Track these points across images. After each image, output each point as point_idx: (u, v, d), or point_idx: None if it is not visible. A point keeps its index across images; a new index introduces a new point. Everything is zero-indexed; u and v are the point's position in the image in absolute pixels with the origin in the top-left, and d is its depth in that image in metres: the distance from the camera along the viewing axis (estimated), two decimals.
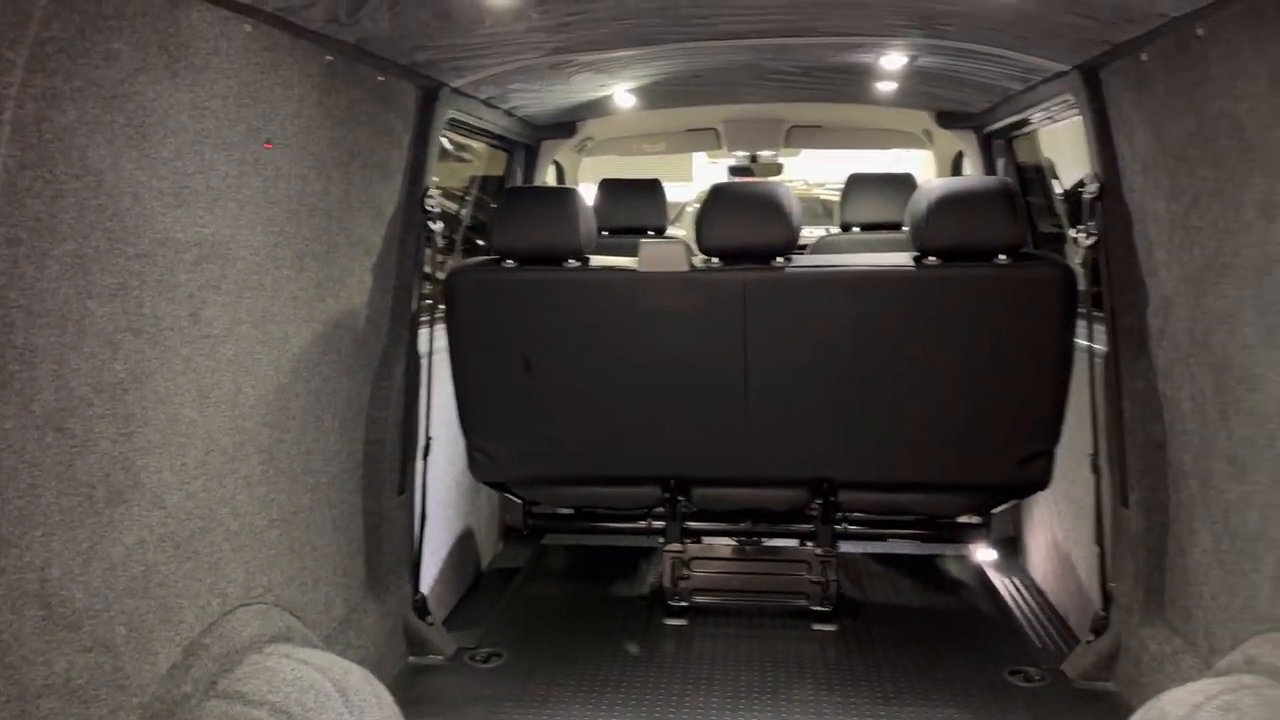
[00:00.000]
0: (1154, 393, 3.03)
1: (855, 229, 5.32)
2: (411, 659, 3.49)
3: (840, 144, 6.35)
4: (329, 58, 2.67)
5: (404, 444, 3.41)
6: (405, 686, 3.28)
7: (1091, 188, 3.20)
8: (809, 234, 5.86)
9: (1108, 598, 3.28)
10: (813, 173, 11.36)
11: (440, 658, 3.50)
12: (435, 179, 3.55)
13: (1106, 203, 3.15)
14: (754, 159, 6.22)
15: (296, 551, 2.81)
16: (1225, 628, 2.62)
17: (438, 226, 3.44)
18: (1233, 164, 2.41)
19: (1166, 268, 2.88)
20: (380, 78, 3.02)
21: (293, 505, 2.79)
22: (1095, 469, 3.32)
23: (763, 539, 4.16)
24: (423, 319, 3.53)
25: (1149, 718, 2.47)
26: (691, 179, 13.63)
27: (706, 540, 4.11)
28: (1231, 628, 2.58)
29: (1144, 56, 2.76)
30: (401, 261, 3.38)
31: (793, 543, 4.10)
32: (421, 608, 3.53)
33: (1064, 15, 2.66)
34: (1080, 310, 3.46)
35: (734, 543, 4.13)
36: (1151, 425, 3.04)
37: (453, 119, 3.78)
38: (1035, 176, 5.00)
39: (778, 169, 6.55)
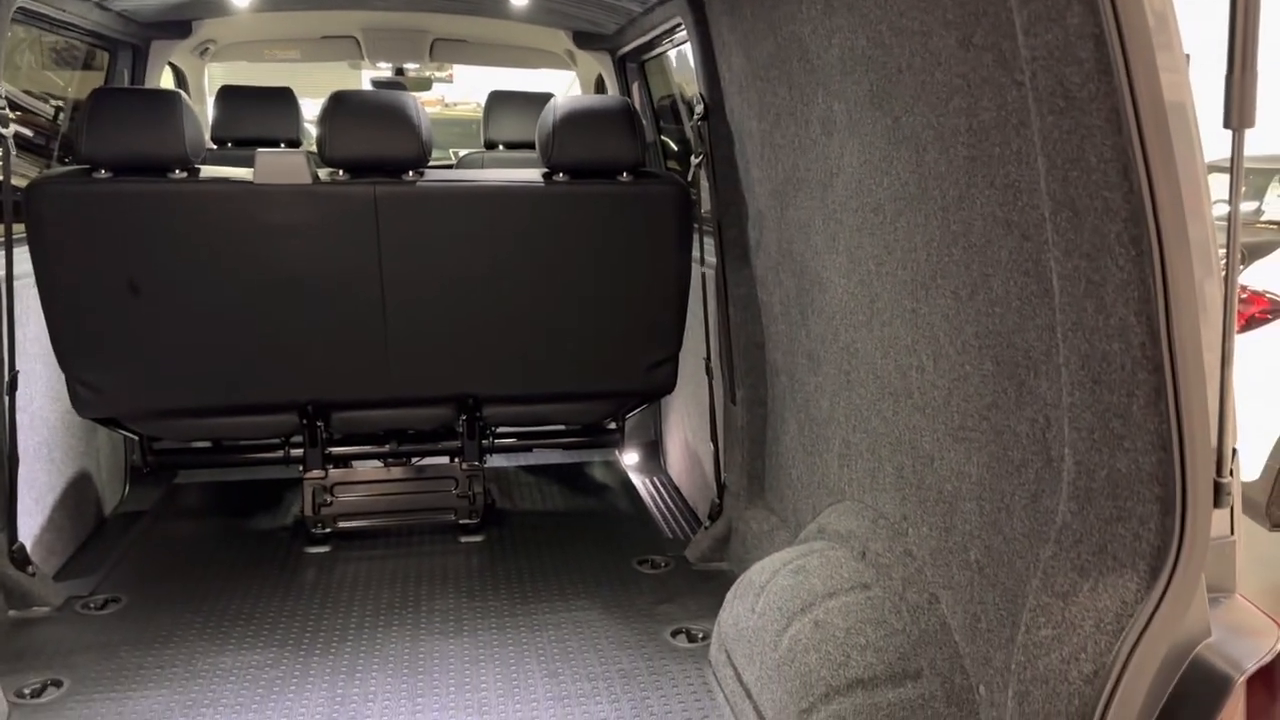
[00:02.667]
0: (753, 299, 3.32)
1: (500, 146, 5.33)
2: (12, 613, 3.16)
3: (486, 60, 6.30)
4: None
5: None
6: (2, 639, 2.97)
7: (699, 108, 3.41)
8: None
9: (721, 488, 3.61)
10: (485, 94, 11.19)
11: (46, 609, 3.20)
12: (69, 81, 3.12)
13: (712, 122, 3.37)
14: (400, 71, 6.03)
15: None
16: (807, 503, 2.97)
17: (8, 131, 3.03)
18: (802, 84, 2.65)
19: (760, 183, 3.13)
20: None
21: None
22: (709, 371, 3.61)
23: (410, 459, 4.15)
24: None
25: (741, 586, 2.77)
26: None
27: (352, 463, 4.04)
28: (812, 502, 2.93)
29: None
30: None
31: (442, 459, 4.13)
32: (20, 558, 3.19)
33: None
34: (698, 227, 3.71)
35: (380, 465, 4.09)
36: (752, 328, 3.34)
37: (26, 9, 3.34)
38: (669, 101, 5.25)
39: (428, 84, 6.40)
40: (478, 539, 3.87)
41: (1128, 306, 1.44)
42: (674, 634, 3.08)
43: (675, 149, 5.27)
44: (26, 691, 2.71)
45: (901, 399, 2.28)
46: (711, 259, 3.59)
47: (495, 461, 4.67)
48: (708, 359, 3.61)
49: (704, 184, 3.70)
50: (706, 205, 3.74)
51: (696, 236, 3.68)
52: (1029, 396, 1.78)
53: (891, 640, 2.18)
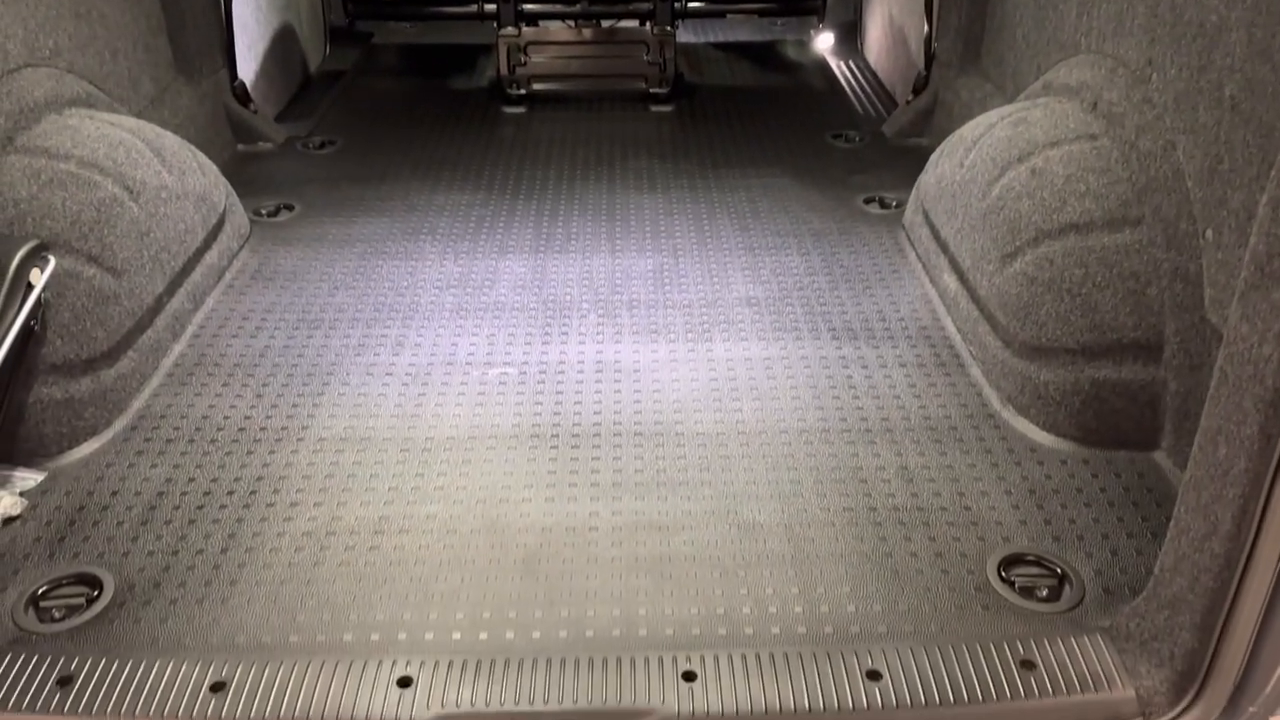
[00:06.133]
0: None
1: None
2: (240, 147, 3.40)
3: None
4: None
5: None
6: (235, 168, 3.22)
7: None
8: None
9: (929, 59, 3.38)
10: None
11: (270, 145, 3.42)
12: None
13: None
14: None
15: (84, 16, 2.57)
16: (1031, 64, 2.75)
17: None
18: None
19: None
20: None
21: None
22: None
23: (600, 21, 4.05)
24: None
25: (950, 143, 2.66)
26: None
27: (543, 24, 3.98)
28: (1037, 61, 2.71)
29: None
30: None
31: (632, 24, 4.01)
32: (242, 94, 3.38)
33: None
34: None
35: (571, 26, 4.01)
36: None
37: None
38: None
39: None
40: (667, 109, 3.83)
41: None
42: (866, 201, 3.05)
43: None
44: (264, 212, 2.97)
45: None
46: None
47: (684, 37, 4.50)
48: None
49: None
50: None
51: None
52: None
53: (1115, 188, 2.07)
